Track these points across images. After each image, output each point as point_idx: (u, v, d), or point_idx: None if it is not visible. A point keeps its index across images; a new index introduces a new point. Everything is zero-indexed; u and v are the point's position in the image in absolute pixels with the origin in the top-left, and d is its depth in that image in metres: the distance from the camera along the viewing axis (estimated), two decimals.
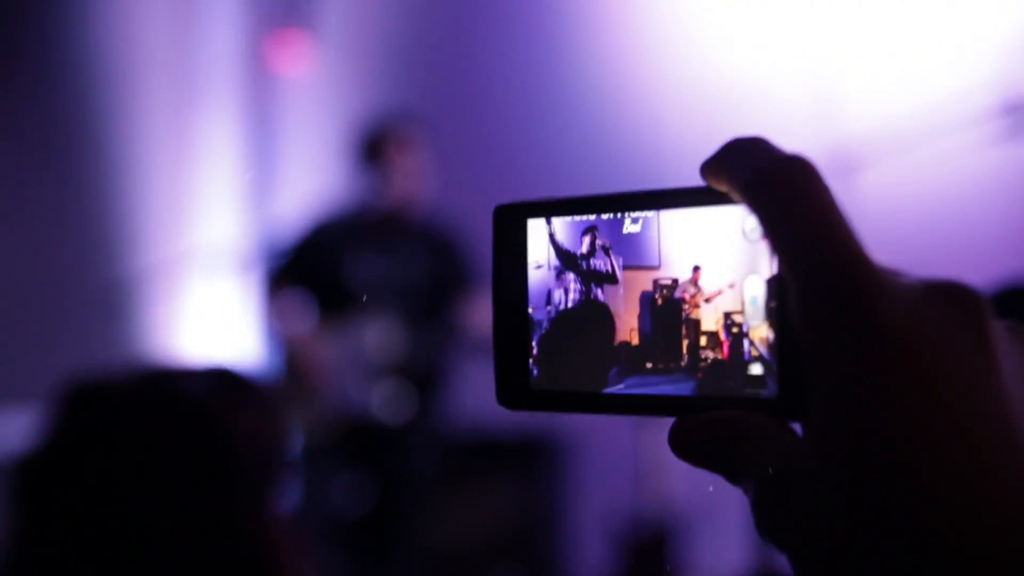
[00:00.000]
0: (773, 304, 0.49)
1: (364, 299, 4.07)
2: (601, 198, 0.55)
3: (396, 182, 4.13)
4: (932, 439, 0.41)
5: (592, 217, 0.55)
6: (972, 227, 3.47)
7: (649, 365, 0.53)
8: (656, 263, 0.53)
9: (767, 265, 0.49)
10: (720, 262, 0.51)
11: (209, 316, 5.10)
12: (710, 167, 0.51)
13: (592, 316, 0.55)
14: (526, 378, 0.57)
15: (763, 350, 0.49)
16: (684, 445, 0.49)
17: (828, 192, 0.45)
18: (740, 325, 0.50)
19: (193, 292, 5.11)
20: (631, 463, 4.53)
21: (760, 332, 0.49)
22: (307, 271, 4.12)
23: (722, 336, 0.51)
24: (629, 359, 0.53)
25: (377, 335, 4.05)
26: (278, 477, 1.37)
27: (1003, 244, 3.48)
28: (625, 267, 0.54)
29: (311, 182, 4.98)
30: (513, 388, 0.57)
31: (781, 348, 0.48)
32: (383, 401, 4.05)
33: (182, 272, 5.08)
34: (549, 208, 0.56)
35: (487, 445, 4.69)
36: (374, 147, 4.17)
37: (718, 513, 4.48)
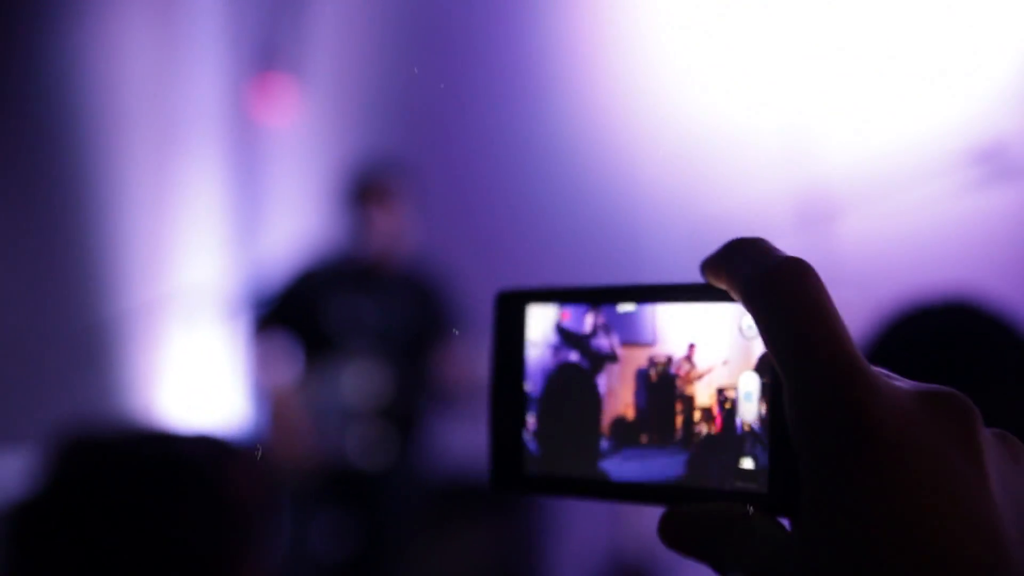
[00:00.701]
0: (766, 402, 0.50)
1: (346, 345, 4.09)
2: (604, 290, 0.57)
3: (379, 230, 4.16)
4: (920, 545, 0.41)
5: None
6: (947, 274, 3.52)
7: (644, 439, 0.54)
8: (651, 340, 0.55)
9: (761, 362, 0.50)
10: (714, 339, 0.53)
11: (191, 362, 5.11)
12: (711, 266, 0.51)
13: (578, 394, 0.56)
14: (520, 462, 0.57)
15: (756, 426, 0.50)
16: (674, 536, 0.50)
17: (824, 295, 0.46)
18: (733, 400, 0.51)
19: (175, 337, 5.12)
20: (609, 503, 4.54)
21: (748, 422, 0.51)
22: (291, 317, 4.14)
23: (715, 411, 0.52)
24: (624, 433, 0.54)
25: (358, 380, 4.07)
26: (266, 532, 1.40)
27: (977, 291, 3.53)
28: (622, 343, 0.56)
29: (294, 229, 5.00)
30: (507, 472, 0.58)
31: (773, 445, 0.49)
32: (363, 445, 4.06)
33: (164, 317, 5.09)
34: (550, 296, 0.58)
35: (465, 488, 4.70)
36: (357, 195, 4.20)
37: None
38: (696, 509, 0.49)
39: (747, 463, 0.51)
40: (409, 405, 4.13)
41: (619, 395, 0.55)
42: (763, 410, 0.50)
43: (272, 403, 4.13)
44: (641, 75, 4.92)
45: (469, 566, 4.69)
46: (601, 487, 0.55)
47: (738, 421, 0.51)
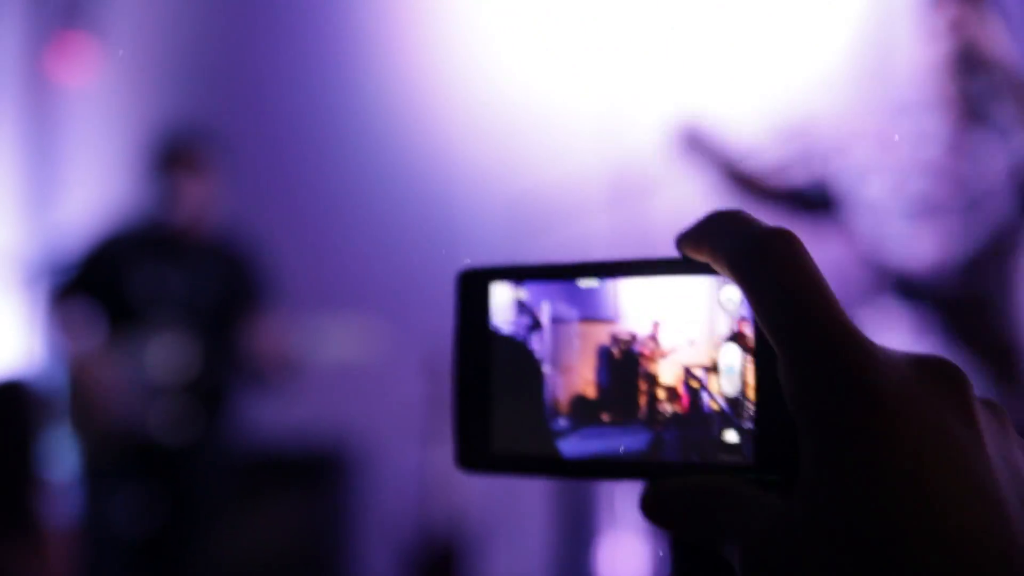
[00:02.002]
0: (753, 373, 0.49)
1: (151, 315, 3.99)
2: (569, 267, 0.55)
3: (186, 198, 4.06)
4: (924, 504, 0.42)
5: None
6: None
7: (605, 417, 0.53)
8: (614, 317, 0.54)
9: (742, 335, 0.50)
10: (680, 318, 0.52)
11: None
12: (690, 239, 0.51)
13: (524, 371, 0.55)
14: (486, 442, 0.56)
15: (724, 405, 0.50)
16: (660, 511, 0.49)
17: (813, 265, 0.46)
18: (699, 379, 0.51)
19: None
20: (418, 477, 4.55)
21: (728, 394, 0.50)
22: (93, 285, 4.02)
23: (681, 391, 0.51)
24: (584, 411, 0.53)
25: (162, 351, 3.97)
26: (33, 493, 1.36)
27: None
28: (582, 320, 0.54)
29: (96, 193, 4.84)
30: (473, 452, 0.57)
31: (760, 417, 0.49)
32: (167, 419, 3.97)
33: None
34: (512, 273, 0.57)
35: (273, 463, 4.65)
36: (165, 161, 4.08)
37: (506, 526, 4.54)
38: (681, 482, 0.49)
39: (730, 436, 0.50)
40: (216, 378, 4.05)
41: (579, 372, 0.54)
42: (747, 382, 0.50)
43: (72, 371, 3.99)
44: (459, 49, 4.92)
45: (277, 541, 4.63)
46: (565, 465, 0.54)
47: (704, 400, 0.51)
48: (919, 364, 0.45)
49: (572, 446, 0.54)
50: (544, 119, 4.68)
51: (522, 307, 0.56)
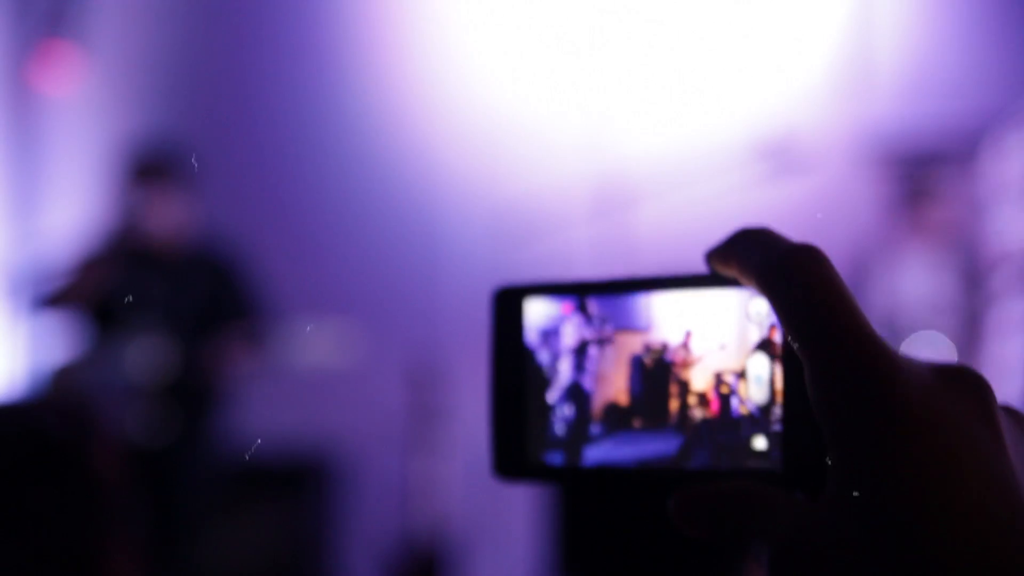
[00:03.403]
0: (782, 382, 0.51)
1: (132, 322, 4.00)
2: (603, 283, 0.58)
3: (159, 213, 4.07)
4: (947, 508, 0.44)
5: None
6: None
7: (637, 423, 0.55)
8: (647, 326, 0.56)
9: (770, 344, 0.52)
10: (711, 325, 0.54)
11: None
12: (719, 255, 0.53)
13: (562, 380, 0.58)
14: (522, 451, 0.59)
15: (754, 410, 0.52)
16: (690, 516, 0.50)
17: (839, 279, 0.48)
18: (729, 384, 0.53)
19: None
20: (402, 487, 4.56)
21: (758, 401, 0.52)
22: (77, 294, 4.02)
23: (711, 396, 0.53)
24: (617, 418, 0.56)
25: (143, 357, 3.98)
26: (128, 508, 1.37)
27: None
28: (616, 329, 0.56)
29: (78, 202, 4.84)
30: (509, 461, 0.59)
31: (788, 424, 0.51)
32: (149, 424, 3.98)
33: None
34: (547, 290, 0.59)
35: (256, 470, 4.65)
36: (138, 176, 4.09)
37: (489, 534, 4.56)
38: (711, 488, 0.50)
39: (759, 443, 0.52)
40: (197, 384, 4.06)
41: (612, 380, 0.56)
42: (775, 390, 0.52)
43: (51, 381, 4.01)
44: (443, 59, 4.93)
45: (259, 548, 4.63)
46: (598, 474, 0.57)
47: (734, 405, 0.53)
48: (942, 373, 0.47)
49: (604, 452, 0.56)
50: (528, 130, 4.70)
51: (557, 319, 0.58)
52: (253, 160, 4.92)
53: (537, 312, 0.59)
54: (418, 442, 4.44)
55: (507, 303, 0.60)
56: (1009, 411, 0.49)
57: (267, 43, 5.05)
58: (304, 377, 4.48)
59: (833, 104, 4.16)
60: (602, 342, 0.57)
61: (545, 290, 0.59)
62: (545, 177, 4.46)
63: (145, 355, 3.99)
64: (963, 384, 0.47)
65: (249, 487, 4.63)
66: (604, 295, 0.57)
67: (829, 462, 0.47)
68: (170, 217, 4.09)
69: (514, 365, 0.59)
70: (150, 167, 4.12)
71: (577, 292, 0.58)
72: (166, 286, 4.08)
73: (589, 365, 0.57)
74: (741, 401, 0.52)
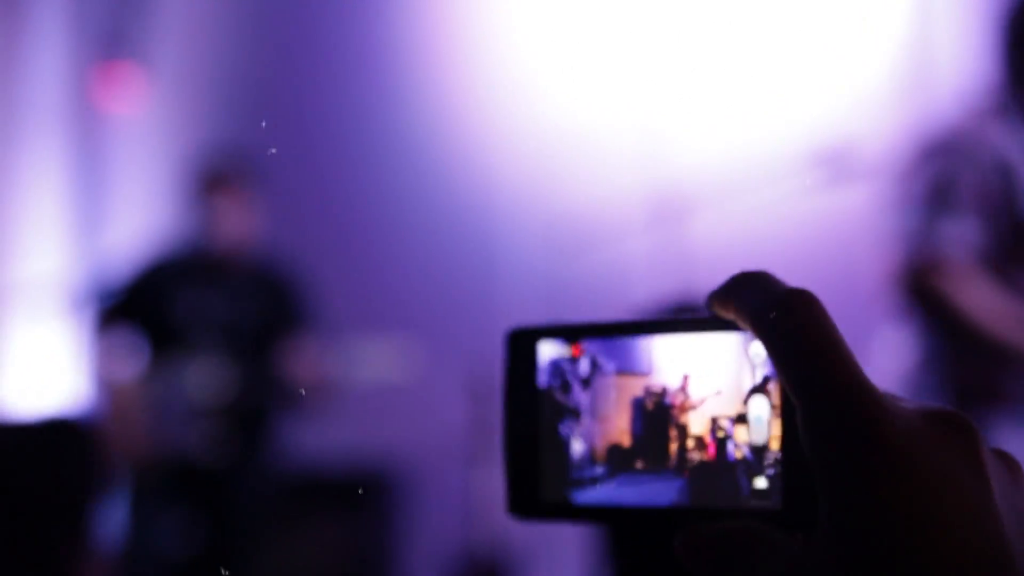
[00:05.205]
0: (779, 424, 0.53)
1: (193, 340, 4.03)
2: (615, 325, 0.59)
3: (227, 223, 4.10)
4: (932, 549, 0.45)
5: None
6: (790, 274, 3.62)
7: (639, 465, 0.57)
8: (647, 370, 0.58)
9: (768, 386, 0.54)
10: (709, 370, 0.56)
11: (35, 354, 4.96)
12: (719, 298, 0.54)
13: (569, 422, 0.60)
14: (535, 491, 0.60)
15: (748, 453, 0.54)
16: (695, 555, 0.52)
17: (830, 323, 0.50)
18: (725, 429, 0.55)
19: (18, 330, 4.96)
20: (463, 501, 4.56)
21: (756, 443, 0.54)
22: (137, 310, 4.07)
23: (708, 439, 0.55)
24: (620, 459, 0.58)
25: (204, 375, 4.01)
26: (90, 517, 1.39)
27: (819, 291, 3.62)
28: (618, 373, 0.58)
29: (141, 220, 4.90)
30: (523, 500, 0.61)
31: (786, 464, 0.53)
32: (209, 442, 4.00)
33: (7, 309, 4.94)
34: (560, 332, 0.61)
35: (317, 484, 4.67)
36: (205, 187, 4.14)
37: (550, 549, 4.54)
38: (714, 527, 0.52)
39: (759, 483, 0.54)
40: (257, 401, 4.08)
41: (615, 422, 0.58)
42: (774, 432, 0.53)
43: (112, 398, 4.05)
44: (497, 73, 4.93)
45: (320, 564, 4.65)
46: (609, 513, 0.59)
47: (730, 448, 0.54)
48: (931, 417, 0.48)
49: (609, 492, 0.58)
50: (584, 141, 4.69)
51: (567, 362, 0.60)
52: (311, 175, 4.94)
53: (548, 353, 0.61)
54: (479, 455, 4.43)
55: (520, 344, 0.62)
56: (1001, 455, 0.50)
57: (324, 56, 5.08)
58: (365, 393, 4.48)
59: (891, 111, 4.10)
60: (606, 385, 0.59)
61: (557, 332, 0.61)
62: (601, 187, 4.44)
63: (206, 374, 4.02)
64: (950, 428, 0.48)
65: (311, 502, 4.65)
66: (611, 337, 0.59)
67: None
68: (237, 227, 4.12)
69: (527, 406, 0.61)
70: (218, 176, 4.17)
71: (586, 334, 0.60)
72: (226, 304, 4.11)
73: (595, 407, 0.59)
74: (736, 445, 0.54)
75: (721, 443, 0.55)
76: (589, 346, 0.59)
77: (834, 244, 4.03)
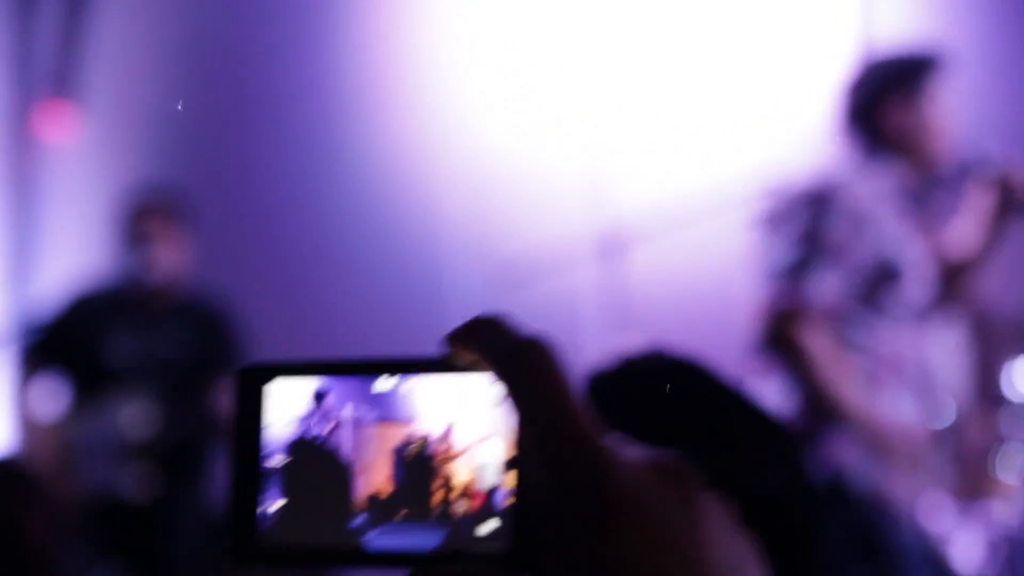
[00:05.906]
0: (512, 467, 0.53)
1: (122, 377, 3.98)
2: (355, 364, 0.57)
3: (158, 258, 4.07)
4: None
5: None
6: (730, 306, 3.59)
7: (400, 516, 0.56)
8: (409, 418, 0.56)
9: (507, 429, 0.53)
10: (473, 418, 0.55)
11: None
12: (459, 339, 0.55)
13: (326, 469, 0.57)
14: (257, 536, 0.57)
15: (503, 505, 0.54)
16: None
17: (562, 372, 0.52)
18: (492, 477, 0.54)
19: None
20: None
21: (503, 488, 0.54)
22: (64, 348, 4.05)
23: (474, 488, 0.55)
24: (381, 509, 0.56)
25: (132, 413, 3.95)
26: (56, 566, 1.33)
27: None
28: (379, 421, 0.57)
29: (71, 256, 4.83)
30: (243, 545, 0.58)
31: (518, 508, 0.53)
32: (138, 481, 3.94)
33: None
34: (297, 370, 0.58)
35: None
36: (136, 223, 4.11)
37: None
38: (443, 569, 0.53)
39: (492, 524, 0.54)
40: (189, 438, 4.03)
41: (376, 471, 0.57)
42: (509, 475, 0.54)
43: (32, 438, 3.99)
44: (441, 112, 4.91)
45: None
46: (345, 554, 0.56)
47: (496, 498, 0.54)
48: (651, 467, 0.52)
49: (369, 541, 0.56)
50: (527, 174, 4.68)
51: (319, 404, 0.57)
52: (246, 211, 4.90)
53: (283, 393, 0.58)
54: None
55: (250, 382, 0.58)
56: (714, 495, 0.53)
57: (263, 92, 5.05)
58: None
59: (831, 147, 4.10)
60: (366, 435, 0.57)
61: (291, 370, 0.58)
62: (545, 221, 4.43)
63: (135, 412, 3.97)
64: (668, 476, 0.51)
65: None
66: (357, 376, 0.57)
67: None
68: (169, 261, 4.09)
69: (252, 449, 0.58)
70: (146, 216, 4.14)
71: (325, 372, 0.58)
72: (157, 340, 4.07)
73: (353, 454, 0.57)
74: (503, 495, 0.54)
75: (488, 493, 0.54)
76: (350, 389, 0.57)
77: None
